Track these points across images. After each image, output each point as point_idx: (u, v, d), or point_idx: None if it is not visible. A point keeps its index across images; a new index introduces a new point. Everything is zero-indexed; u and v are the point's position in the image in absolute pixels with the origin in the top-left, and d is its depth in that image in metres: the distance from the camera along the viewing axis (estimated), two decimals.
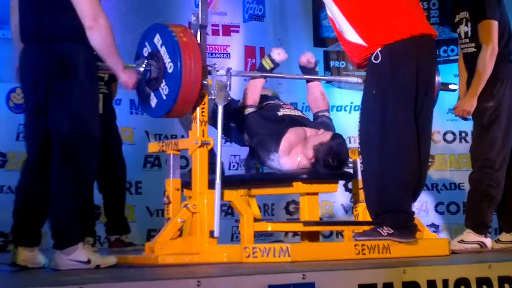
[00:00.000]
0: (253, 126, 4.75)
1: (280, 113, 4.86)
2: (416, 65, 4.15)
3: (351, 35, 4.22)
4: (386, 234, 4.13)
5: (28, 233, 3.91)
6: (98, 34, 3.75)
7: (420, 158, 4.22)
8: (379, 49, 4.14)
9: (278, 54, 4.88)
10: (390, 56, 4.13)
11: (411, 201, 4.23)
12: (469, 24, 5.06)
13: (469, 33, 5.06)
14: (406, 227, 4.17)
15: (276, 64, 4.88)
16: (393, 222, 4.14)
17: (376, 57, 4.14)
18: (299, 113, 4.94)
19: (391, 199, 4.15)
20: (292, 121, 4.78)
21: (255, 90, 4.84)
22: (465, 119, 5.10)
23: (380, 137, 4.16)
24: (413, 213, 4.24)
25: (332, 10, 4.27)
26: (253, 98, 4.82)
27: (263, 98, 4.99)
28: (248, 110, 4.78)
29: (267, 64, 4.86)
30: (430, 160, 7.59)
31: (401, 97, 4.13)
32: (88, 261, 3.76)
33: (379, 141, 4.16)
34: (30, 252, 3.90)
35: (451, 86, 5.14)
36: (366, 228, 4.54)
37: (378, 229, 4.15)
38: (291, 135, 4.69)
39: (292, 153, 4.64)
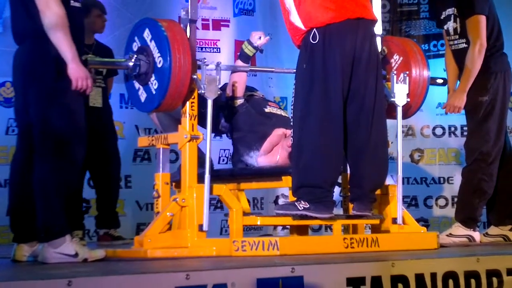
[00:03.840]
0: (240, 119, 4.77)
1: (267, 110, 4.87)
2: (352, 46, 4.20)
3: (295, 16, 4.28)
4: (302, 208, 4.15)
5: (26, 229, 3.94)
6: (47, 18, 3.75)
7: (357, 137, 4.26)
8: (315, 29, 4.20)
9: (259, 38, 4.81)
10: (324, 36, 4.18)
11: (331, 176, 4.23)
12: (457, 20, 5.06)
13: (458, 29, 5.07)
14: (320, 202, 4.17)
15: (258, 49, 4.82)
16: (309, 197, 4.16)
17: (314, 38, 4.19)
18: (284, 113, 4.96)
19: (308, 172, 4.17)
20: (278, 120, 4.80)
21: (243, 80, 4.85)
22: None
23: (303, 109, 4.22)
24: (331, 188, 4.24)
25: None
26: (241, 89, 4.83)
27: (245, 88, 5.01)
28: (238, 102, 4.79)
29: (248, 50, 4.83)
30: (419, 154, 7.68)
31: (329, 75, 4.18)
32: (76, 254, 3.77)
33: (302, 114, 4.22)
34: (30, 248, 3.93)
35: (438, 80, 5.15)
36: (355, 222, 4.58)
37: (295, 203, 4.17)
38: (274, 137, 4.72)
39: (272, 152, 4.69)
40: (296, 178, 4.24)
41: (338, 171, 4.36)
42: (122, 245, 5.53)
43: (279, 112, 4.95)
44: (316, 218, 4.19)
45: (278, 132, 4.77)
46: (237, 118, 4.83)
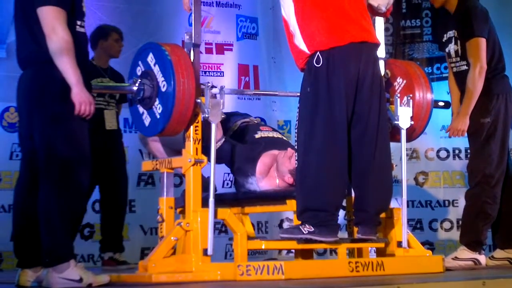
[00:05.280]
0: (231, 156, 4.76)
1: (257, 136, 4.86)
2: (355, 70, 4.22)
3: (298, 39, 4.29)
4: (306, 232, 4.14)
5: (30, 254, 3.93)
6: (54, 43, 3.78)
7: (361, 159, 4.27)
8: (319, 52, 4.21)
9: None
10: (328, 60, 4.20)
11: (336, 199, 4.23)
12: (458, 42, 5.08)
13: (460, 51, 5.08)
14: (325, 226, 4.17)
15: None
16: (314, 220, 4.15)
17: (318, 61, 4.21)
18: (278, 135, 4.95)
19: (313, 196, 4.17)
20: (268, 144, 4.79)
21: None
22: None
23: (307, 133, 4.22)
24: (336, 211, 4.24)
25: (289, 11, 4.33)
26: (219, 132, 4.78)
27: (235, 116, 4.99)
28: (219, 145, 4.74)
29: None
30: (423, 177, 7.67)
31: (333, 98, 4.18)
32: (80, 280, 3.76)
33: (306, 138, 4.22)
34: (34, 273, 3.92)
35: (440, 103, 5.15)
36: (360, 245, 4.56)
37: (300, 227, 4.17)
38: (266, 158, 4.72)
39: (269, 175, 4.69)
40: (300, 202, 4.23)
41: (343, 195, 4.36)
42: (127, 270, 5.51)
43: (271, 134, 4.93)
44: (321, 241, 4.18)
45: (270, 154, 4.77)
46: (226, 156, 4.81)
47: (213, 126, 4.12)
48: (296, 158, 4.29)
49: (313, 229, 4.14)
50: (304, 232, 4.15)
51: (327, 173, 4.17)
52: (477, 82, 4.95)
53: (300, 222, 4.22)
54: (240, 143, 4.80)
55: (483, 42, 4.98)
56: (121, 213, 6.19)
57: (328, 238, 4.18)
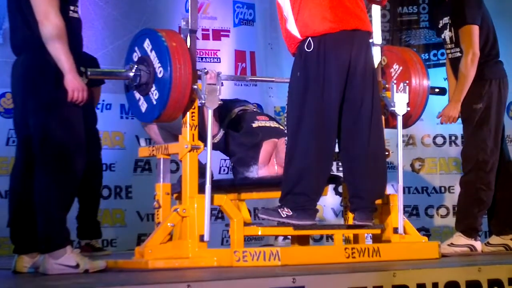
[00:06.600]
0: (228, 147, 4.76)
1: (254, 125, 4.86)
2: (347, 57, 4.23)
3: (291, 24, 4.30)
4: (285, 215, 4.18)
5: (27, 240, 3.93)
6: (46, 29, 3.76)
7: (355, 148, 4.28)
8: (310, 38, 4.22)
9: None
10: (319, 45, 4.22)
11: (318, 186, 4.25)
12: (452, 29, 5.08)
13: (454, 38, 5.08)
14: (303, 210, 4.19)
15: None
16: (293, 204, 4.18)
17: (309, 46, 4.22)
18: (275, 124, 4.95)
19: (297, 181, 4.19)
20: (266, 133, 4.80)
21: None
22: None
23: (296, 118, 4.23)
24: (316, 197, 4.26)
25: None
26: (214, 127, 4.75)
27: (233, 103, 4.98)
28: (217, 139, 4.73)
29: None
30: (420, 163, 7.68)
31: (323, 85, 4.20)
32: (77, 266, 3.77)
33: (295, 122, 4.24)
34: (31, 259, 3.92)
35: (436, 90, 5.16)
36: (357, 232, 4.58)
37: (279, 210, 4.19)
38: (267, 146, 4.73)
39: (270, 164, 4.70)
40: (285, 185, 4.25)
41: (325, 181, 4.36)
42: (123, 255, 5.51)
43: (268, 124, 4.94)
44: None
45: (270, 142, 4.78)
46: (225, 147, 4.82)
47: (210, 112, 4.12)
48: (286, 142, 4.30)
49: (291, 213, 4.17)
50: (282, 216, 4.18)
51: (313, 159, 4.19)
52: (469, 69, 4.95)
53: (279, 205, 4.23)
54: (238, 133, 4.80)
55: (475, 29, 4.98)
56: (96, 199, 6.14)
57: (305, 221, 4.20)
